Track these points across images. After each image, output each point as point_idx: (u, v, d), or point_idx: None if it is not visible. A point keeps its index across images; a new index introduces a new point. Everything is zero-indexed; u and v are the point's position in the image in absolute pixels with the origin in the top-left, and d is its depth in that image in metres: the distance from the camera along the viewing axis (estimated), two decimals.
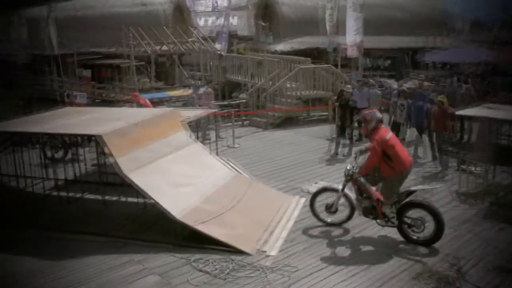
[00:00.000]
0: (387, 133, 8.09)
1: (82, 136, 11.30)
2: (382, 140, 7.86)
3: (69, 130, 10.13)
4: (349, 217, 8.71)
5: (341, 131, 13.53)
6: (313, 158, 13.44)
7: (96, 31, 25.35)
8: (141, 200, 9.55)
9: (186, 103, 17.43)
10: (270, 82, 19.00)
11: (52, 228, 8.95)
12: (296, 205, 9.80)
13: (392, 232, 8.37)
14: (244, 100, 19.44)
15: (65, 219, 9.42)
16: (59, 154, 13.32)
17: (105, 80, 25.12)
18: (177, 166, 9.49)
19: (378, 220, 8.24)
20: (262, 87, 19.06)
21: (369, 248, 8.04)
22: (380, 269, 7.32)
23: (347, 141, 13.60)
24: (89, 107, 14.48)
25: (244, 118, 18.59)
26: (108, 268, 7.49)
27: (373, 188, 8.12)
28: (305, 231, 8.70)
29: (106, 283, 7.11)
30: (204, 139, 14.18)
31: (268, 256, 7.76)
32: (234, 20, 31.20)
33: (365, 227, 8.69)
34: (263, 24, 28.56)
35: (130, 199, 9.94)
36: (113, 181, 10.18)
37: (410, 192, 8.11)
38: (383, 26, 26.58)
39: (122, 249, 8.06)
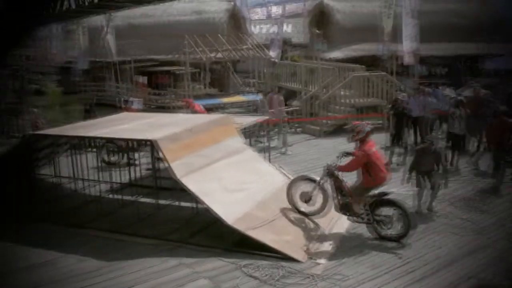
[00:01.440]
0: (373, 147, 8.56)
1: (138, 140, 11.54)
2: (367, 152, 8.40)
3: (125, 135, 10.38)
4: (322, 210, 8.89)
5: (396, 140, 13.27)
6: None
7: (153, 39, 26.02)
8: (193, 205, 9.65)
9: (256, 108, 17.64)
10: (324, 90, 18.87)
11: (107, 229, 9.19)
12: None
13: (447, 244, 8.19)
14: (298, 108, 19.40)
15: (119, 221, 9.62)
16: (115, 158, 13.67)
17: (160, 86, 25.65)
18: (229, 171, 9.54)
19: (351, 217, 8.66)
20: (315, 94, 18.97)
21: (422, 258, 7.80)
22: (434, 281, 7.11)
23: (402, 150, 13.32)
24: (144, 113, 14.79)
25: (297, 125, 18.54)
26: (159, 270, 7.59)
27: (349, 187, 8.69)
28: (357, 240, 8.57)
29: (156, 285, 7.20)
30: (262, 143, 14.27)
31: (318, 264, 7.67)
32: (288, 28, 31.32)
33: (419, 237, 8.47)
34: (317, 31, 28.42)
35: (183, 204, 10.06)
36: (167, 185, 10.36)
37: (383, 194, 8.48)
38: (441, 33, 25.86)
39: (173, 252, 8.16)
